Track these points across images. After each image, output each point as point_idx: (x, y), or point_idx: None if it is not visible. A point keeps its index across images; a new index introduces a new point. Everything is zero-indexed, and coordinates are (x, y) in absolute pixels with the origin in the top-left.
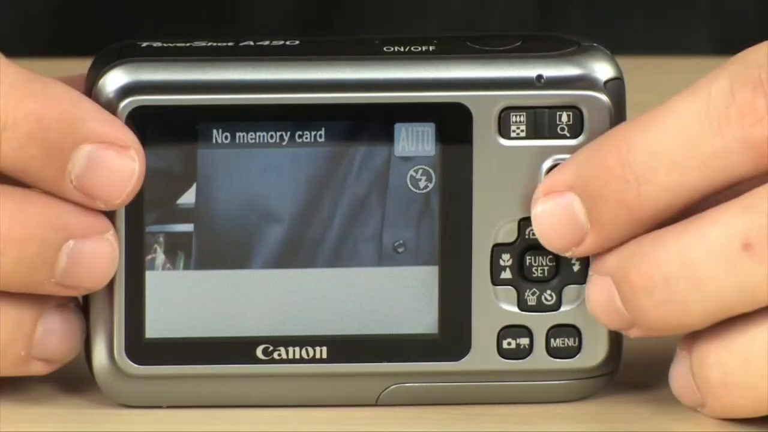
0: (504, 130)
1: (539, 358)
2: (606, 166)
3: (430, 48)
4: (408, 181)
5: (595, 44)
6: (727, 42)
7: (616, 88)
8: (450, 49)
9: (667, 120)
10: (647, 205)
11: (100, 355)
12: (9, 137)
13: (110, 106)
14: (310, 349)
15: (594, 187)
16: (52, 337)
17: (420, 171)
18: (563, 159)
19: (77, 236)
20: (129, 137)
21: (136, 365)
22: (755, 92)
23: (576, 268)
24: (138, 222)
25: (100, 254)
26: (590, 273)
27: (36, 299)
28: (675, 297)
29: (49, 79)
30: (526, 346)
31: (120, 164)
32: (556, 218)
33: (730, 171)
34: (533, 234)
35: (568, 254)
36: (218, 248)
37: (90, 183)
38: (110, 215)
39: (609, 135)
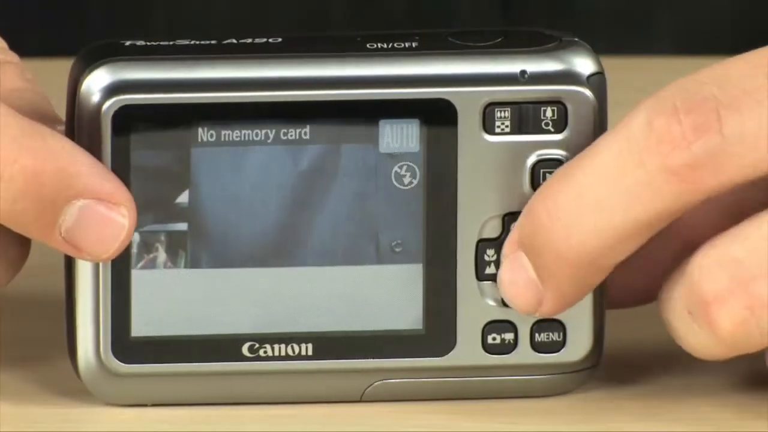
0: (488, 126)
1: (524, 353)
2: (536, 218)
3: (413, 44)
4: (393, 177)
5: (576, 39)
6: (688, 46)
7: (598, 82)
8: (433, 45)
9: (589, 162)
10: (579, 250)
11: (85, 354)
12: (3, 191)
13: (95, 106)
14: (295, 346)
15: (532, 241)
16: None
17: (404, 167)
18: (548, 154)
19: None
20: (122, 193)
21: (122, 364)
22: (671, 119)
23: None
24: None
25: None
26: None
27: None
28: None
29: (47, 132)
30: (511, 341)
31: (110, 221)
32: (513, 277)
33: (656, 202)
34: None
35: (536, 315)
36: (202, 247)
37: (79, 237)
38: None
39: (540, 187)
